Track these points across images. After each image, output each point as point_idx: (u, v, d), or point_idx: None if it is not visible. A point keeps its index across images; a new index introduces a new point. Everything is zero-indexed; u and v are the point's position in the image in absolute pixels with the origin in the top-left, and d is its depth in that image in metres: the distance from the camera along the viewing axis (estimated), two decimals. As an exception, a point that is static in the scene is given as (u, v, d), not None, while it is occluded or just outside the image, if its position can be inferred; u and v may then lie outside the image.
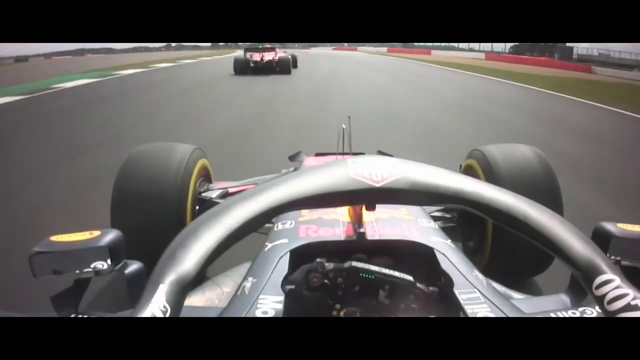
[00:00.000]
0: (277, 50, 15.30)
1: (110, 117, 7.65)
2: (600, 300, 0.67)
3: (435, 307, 0.99)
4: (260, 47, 15.18)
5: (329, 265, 0.94)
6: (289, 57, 15.36)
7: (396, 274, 0.94)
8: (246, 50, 15.16)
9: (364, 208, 1.14)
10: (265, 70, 14.37)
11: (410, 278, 0.94)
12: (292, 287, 0.98)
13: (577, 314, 0.97)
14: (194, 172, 2.18)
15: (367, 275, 0.93)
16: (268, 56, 14.65)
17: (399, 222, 1.30)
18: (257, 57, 14.57)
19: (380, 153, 2.85)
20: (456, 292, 1.00)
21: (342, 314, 0.94)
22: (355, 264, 0.93)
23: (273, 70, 14.49)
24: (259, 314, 0.91)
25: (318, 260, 0.96)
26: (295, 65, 15.60)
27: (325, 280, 0.93)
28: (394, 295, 0.94)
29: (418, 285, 0.94)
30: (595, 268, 0.70)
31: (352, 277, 0.93)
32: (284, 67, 14.59)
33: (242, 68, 14.50)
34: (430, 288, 0.96)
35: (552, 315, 0.97)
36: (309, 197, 0.80)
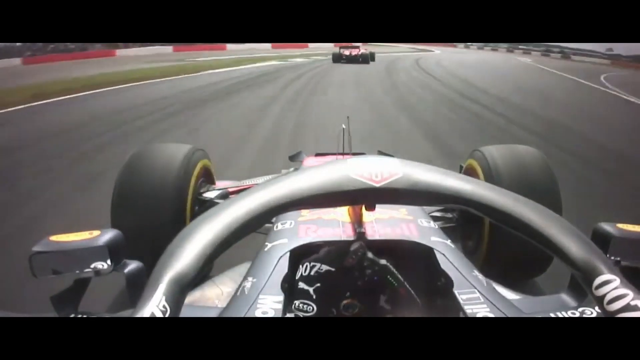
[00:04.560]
0: (360, 47, 21.23)
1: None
2: (599, 301, 0.67)
3: (434, 308, 1.00)
4: (350, 45, 21.17)
5: (369, 254, 0.98)
6: (368, 52, 20.99)
7: (413, 292, 0.99)
8: (340, 47, 21.27)
9: (363, 208, 1.14)
10: (352, 60, 20.13)
11: (419, 301, 0.99)
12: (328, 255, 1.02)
13: (577, 314, 0.97)
14: (194, 172, 2.18)
15: (391, 280, 0.97)
16: (354, 52, 20.65)
17: (398, 222, 1.30)
18: (347, 52, 20.69)
19: (381, 153, 2.85)
20: (456, 292, 1.00)
21: (344, 303, 0.98)
22: (389, 265, 0.98)
23: (357, 61, 20.05)
24: (258, 314, 0.91)
25: (361, 243, 1.00)
26: (373, 59, 21.11)
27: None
28: (394, 302, 0.98)
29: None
30: (595, 268, 0.70)
31: (379, 275, 0.97)
32: (365, 59, 20.29)
33: (337, 59, 20.56)
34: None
35: (552, 315, 0.97)
36: (308, 197, 0.80)
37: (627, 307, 0.64)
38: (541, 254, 0.79)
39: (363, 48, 21.64)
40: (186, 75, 14.42)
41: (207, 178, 2.47)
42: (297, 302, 0.97)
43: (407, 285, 0.98)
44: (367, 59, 20.46)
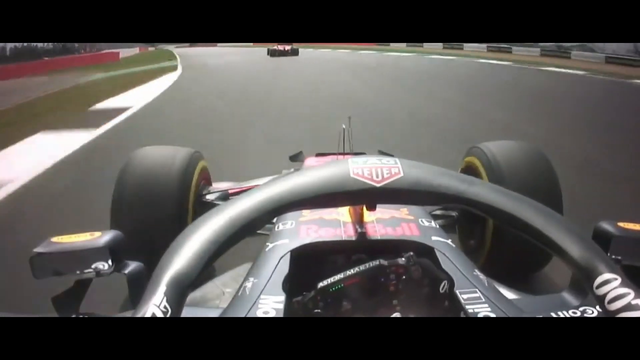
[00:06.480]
0: (291, 44, 27.19)
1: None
2: (600, 300, 0.67)
3: (435, 308, 0.99)
4: (281, 43, 26.54)
5: (305, 297, 0.93)
6: (297, 48, 27.63)
7: (362, 267, 0.93)
8: (277, 45, 26.85)
9: (364, 208, 1.14)
10: (283, 54, 26.01)
11: (376, 262, 0.93)
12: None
13: (578, 314, 0.97)
14: (195, 174, 2.18)
15: (336, 287, 0.92)
16: (287, 47, 26.81)
17: (399, 222, 1.30)
18: (280, 47, 26.61)
19: (381, 153, 2.85)
20: (457, 292, 1.00)
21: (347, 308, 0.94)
22: (321, 284, 0.92)
23: (287, 54, 26.03)
24: (260, 314, 0.91)
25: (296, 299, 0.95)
26: (297, 54, 27.21)
27: (317, 310, 0.93)
28: (378, 287, 0.94)
29: (388, 262, 0.93)
30: (596, 267, 0.70)
31: (328, 296, 0.92)
32: (294, 52, 26.63)
33: (273, 53, 26.28)
34: (406, 258, 0.94)
35: (553, 314, 0.97)
36: (309, 198, 0.80)
37: (628, 307, 0.64)
38: (544, 251, 0.79)
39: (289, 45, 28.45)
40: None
41: (206, 180, 2.47)
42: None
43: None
44: (296, 52, 27.12)
